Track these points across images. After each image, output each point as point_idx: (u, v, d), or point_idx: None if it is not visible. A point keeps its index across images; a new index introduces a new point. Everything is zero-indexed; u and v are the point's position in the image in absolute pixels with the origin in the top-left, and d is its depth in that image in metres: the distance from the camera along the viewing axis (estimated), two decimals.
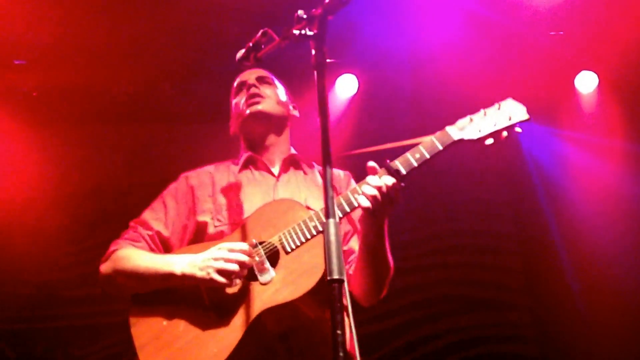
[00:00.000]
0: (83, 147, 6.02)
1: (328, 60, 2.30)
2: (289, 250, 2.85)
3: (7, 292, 5.87)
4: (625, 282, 6.05)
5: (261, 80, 3.41)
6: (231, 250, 2.84)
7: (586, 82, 6.08)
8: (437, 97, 6.00)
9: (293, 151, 3.43)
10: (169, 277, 2.91)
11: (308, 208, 3.05)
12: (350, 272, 3.07)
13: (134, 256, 3.06)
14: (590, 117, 6.17)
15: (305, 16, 2.33)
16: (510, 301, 6.55)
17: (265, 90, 3.37)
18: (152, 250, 3.16)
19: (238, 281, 2.86)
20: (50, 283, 5.89)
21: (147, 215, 3.26)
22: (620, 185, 6.15)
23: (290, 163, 3.38)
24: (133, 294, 3.04)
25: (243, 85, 3.44)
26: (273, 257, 2.88)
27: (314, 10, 2.33)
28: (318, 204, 3.02)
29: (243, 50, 2.74)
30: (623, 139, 6.14)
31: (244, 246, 2.86)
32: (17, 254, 5.79)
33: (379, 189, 2.71)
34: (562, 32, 5.66)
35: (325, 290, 2.60)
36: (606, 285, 6.09)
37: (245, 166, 3.35)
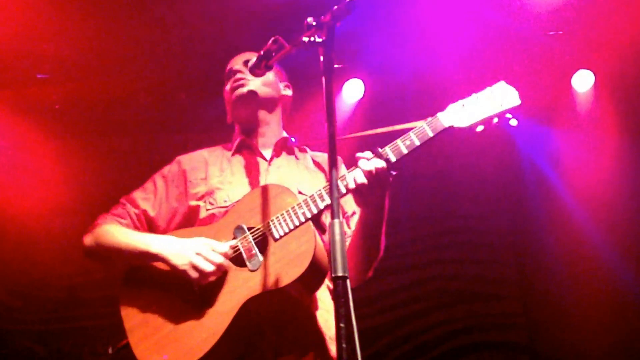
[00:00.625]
0: (104, 156, 6.14)
1: (336, 66, 2.41)
2: (277, 237, 2.84)
3: (37, 295, 6.04)
4: (612, 274, 6.14)
5: (248, 63, 3.21)
6: (213, 250, 2.87)
7: (583, 81, 6.10)
8: (439, 99, 6.07)
9: (285, 134, 3.44)
10: (144, 254, 2.96)
11: (300, 193, 3.06)
12: None
13: (115, 232, 3.10)
14: (586, 115, 6.19)
15: (314, 23, 2.41)
16: (502, 293, 6.61)
17: (253, 70, 3.29)
18: (136, 228, 3.19)
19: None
20: (76, 286, 6.04)
21: (136, 193, 3.30)
22: (614, 183, 6.19)
23: (282, 147, 3.38)
24: (124, 276, 3.08)
25: (230, 71, 3.45)
26: (261, 243, 2.88)
27: (322, 17, 2.41)
28: (309, 189, 3.04)
29: (254, 59, 2.84)
30: (619, 137, 6.18)
31: (225, 249, 2.88)
32: (46, 259, 5.95)
33: (368, 173, 2.74)
34: (560, 32, 5.71)
35: (313, 276, 2.77)
36: (594, 277, 6.17)
37: (237, 150, 3.37)
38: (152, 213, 3.24)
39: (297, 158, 3.39)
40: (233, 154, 3.38)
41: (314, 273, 2.78)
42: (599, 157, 6.24)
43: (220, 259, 2.86)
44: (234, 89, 3.36)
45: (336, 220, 2.16)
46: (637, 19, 5.40)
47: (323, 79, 2.35)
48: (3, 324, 6.00)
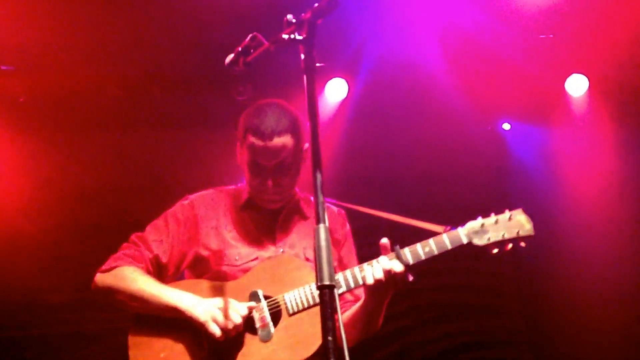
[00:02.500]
0: (71, 152, 5.90)
1: (317, 65, 2.28)
2: (291, 312, 2.96)
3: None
4: (619, 286, 6.04)
5: (279, 167, 3.18)
6: (234, 310, 2.93)
7: (577, 85, 6.04)
8: (427, 101, 5.98)
9: (297, 191, 3.38)
10: (172, 310, 2.99)
11: (307, 259, 3.18)
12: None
13: (139, 279, 3.10)
14: (581, 119, 6.15)
15: (294, 20, 2.30)
16: (503, 306, 6.51)
17: (284, 179, 3.20)
18: (149, 272, 3.18)
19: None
20: (37, 290, 5.76)
21: (149, 234, 3.26)
22: (612, 187, 6.13)
23: (293, 207, 3.35)
24: (137, 314, 3.09)
25: (262, 170, 3.19)
26: (275, 315, 2.98)
27: (303, 14, 2.30)
28: None
29: (232, 55, 2.69)
30: (614, 140, 6.13)
31: (245, 311, 2.95)
32: (3, 260, 5.67)
33: (387, 272, 2.88)
34: (552, 35, 5.64)
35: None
36: (601, 289, 6.07)
37: (248, 205, 3.33)
38: (164, 259, 3.22)
39: (306, 216, 3.37)
40: (243, 208, 3.34)
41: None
42: (595, 162, 6.19)
43: (239, 320, 2.93)
44: (269, 201, 3.28)
45: (321, 225, 2.09)
46: (630, 22, 5.32)
47: (304, 78, 2.26)
48: None
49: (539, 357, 6.36)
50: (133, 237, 3.26)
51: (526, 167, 6.46)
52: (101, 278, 3.17)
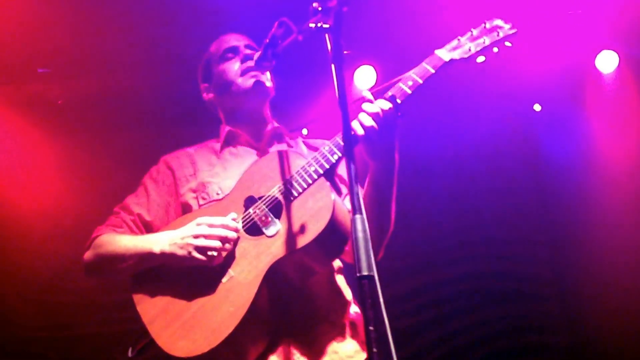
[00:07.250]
0: (111, 153, 5.92)
1: (345, 52, 2.28)
2: (291, 199, 2.77)
3: (49, 300, 5.80)
4: None
5: (253, 50, 3.25)
6: (211, 226, 2.77)
7: (607, 62, 5.94)
8: (457, 84, 5.94)
9: (275, 124, 3.34)
10: (149, 256, 2.85)
11: None
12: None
13: (114, 240, 3.00)
14: (612, 96, 6.01)
15: (320, 8, 2.33)
16: (538, 292, 6.41)
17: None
18: (133, 233, 3.10)
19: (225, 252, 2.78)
20: (88, 289, 5.72)
21: (129, 199, 3.21)
22: None
23: (273, 136, 3.30)
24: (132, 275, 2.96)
25: (235, 51, 3.31)
26: (276, 209, 2.80)
27: (328, 2, 2.32)
28: None
29: (260, 52, 2.79)
30: None
31: (225, 220, 2.79)
32: (56, 262, 5.69)
33: (374, 115, 2.70)
34: (580, 11, 5.52)
35: (334, 235, 2.69)
36: (637, 275, 5.92)
37: (226, 143, 3.28)
38: (147, 217, 3.14)
39: (289, 146, 3.30)
40: (222, 148, 3.28)
41: (334, 230, 2.69)
42: (627, 140, 6.03)
43: (223, 232, 2.76)
44: (253, 76, 3.20)
45: (358, 216, 2.06)
46: None
47: (332, 66, 2.26)
48: (16, 331, 5.75)
49: (575, 342, 6.25)
50: (115, 208, 3.20)
51: (558, 147, 6.33)
52: (85, 255, 3.07)
